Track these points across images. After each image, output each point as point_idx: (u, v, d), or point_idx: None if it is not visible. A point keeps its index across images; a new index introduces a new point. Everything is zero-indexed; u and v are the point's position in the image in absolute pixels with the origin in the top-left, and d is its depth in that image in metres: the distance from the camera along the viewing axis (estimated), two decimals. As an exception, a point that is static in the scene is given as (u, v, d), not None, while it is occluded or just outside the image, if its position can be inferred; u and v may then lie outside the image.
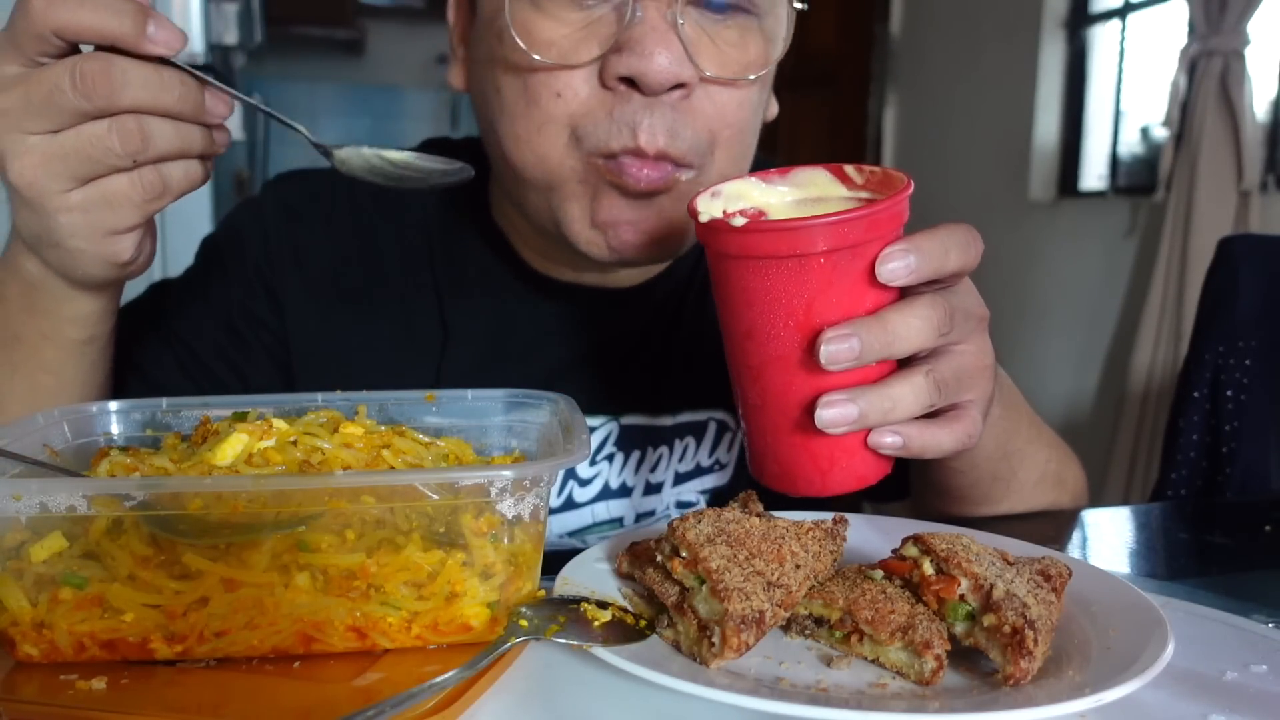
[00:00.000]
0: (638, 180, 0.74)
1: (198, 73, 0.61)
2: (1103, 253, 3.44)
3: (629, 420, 0.93)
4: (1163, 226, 3.06)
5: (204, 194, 2.19)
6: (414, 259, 0.92)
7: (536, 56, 0.72)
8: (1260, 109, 2.93)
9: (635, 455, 0.93)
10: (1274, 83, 2.97)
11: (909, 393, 0.59)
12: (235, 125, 2.35)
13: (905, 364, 0.61)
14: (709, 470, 0.96)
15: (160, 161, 0.61)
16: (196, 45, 2.16)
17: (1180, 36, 3.10)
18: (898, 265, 0.56)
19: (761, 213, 0.66)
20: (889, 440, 0.60)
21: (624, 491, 0.93)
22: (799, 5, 0.77)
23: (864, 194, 0.65)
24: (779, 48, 0.78)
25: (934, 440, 0.61)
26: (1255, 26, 2.89)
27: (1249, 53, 2.89)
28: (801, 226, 0.56)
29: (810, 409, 0.58)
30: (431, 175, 0.67)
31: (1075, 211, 3.65)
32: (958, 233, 0.59)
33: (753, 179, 0.67)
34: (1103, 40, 3.69)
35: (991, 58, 3.98)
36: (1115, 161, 3.62)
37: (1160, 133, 3.27)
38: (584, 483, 0.92)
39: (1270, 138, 2.99)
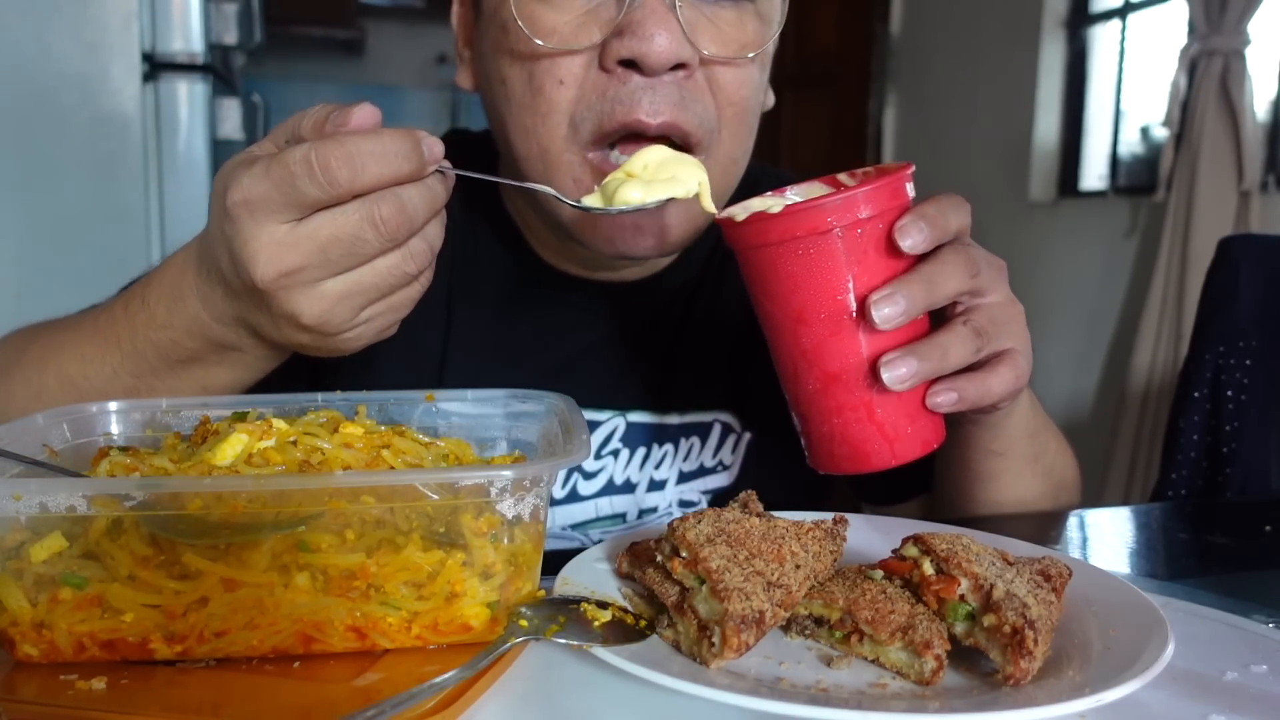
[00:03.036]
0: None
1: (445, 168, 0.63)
2: (1103, 253, 3.44)
3: (635, 417, 0.93)
4: (1163, 226, 3.06)
5: (201, 196, 2.19)
6: None
7: (540, 42, 0.74)
8: (1260, 109, 2.93)
9: (640, 452, 0.94)
10: (1274, 83, 2.97)
11: (954, 340, 0.63)
12: (234, 124, 2.35)
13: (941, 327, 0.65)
14: (712, 471, 0.96)
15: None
16: (196, 45, 2.16)
17: (1180, 36, 3.10)
18: (915, 232, 0.61)
19: None
20: (945, 398, 0.63)
21: (628, 487, 0.94)
22: None
23: None
24: (774, 28, 0.81)
25: (985, 387, 0.65)
26: (1255, 26, 2.89)
27: (1249, 52, 2.89)
28: (840, 197, 0.60)
29: (868, 379, 0.62)
30: None
31: (1075, 211, 3.65)
32: (949, 198, 0.65)
33: (759, 199, 0.70)
34: (1103, 40, 3.69)
35: (991, 58, 3.98)
36: (1115, 161, 3.61)
37: (1160, 133, 3.27)
38: (589, 476, 0.92)
39: (1270, 138, 2.99)
